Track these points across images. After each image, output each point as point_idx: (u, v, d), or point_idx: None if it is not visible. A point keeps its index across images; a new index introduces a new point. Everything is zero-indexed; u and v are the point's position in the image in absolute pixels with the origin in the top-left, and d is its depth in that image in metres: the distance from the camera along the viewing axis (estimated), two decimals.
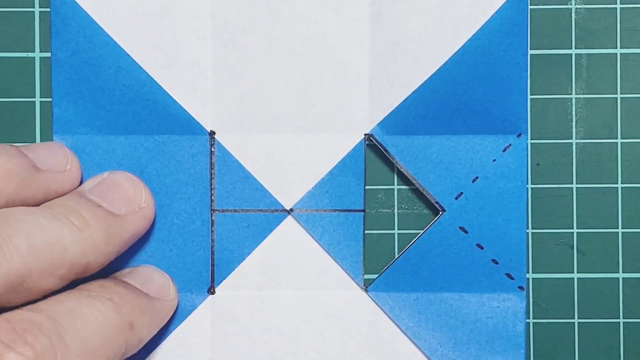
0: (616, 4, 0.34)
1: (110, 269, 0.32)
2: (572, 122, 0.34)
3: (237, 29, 0.34)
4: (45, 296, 0.29)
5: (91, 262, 0.30)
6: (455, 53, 0.33)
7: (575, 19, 0.34)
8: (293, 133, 0.34)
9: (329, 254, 0.34)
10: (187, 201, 0.34)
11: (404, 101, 0.34)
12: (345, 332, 0.34)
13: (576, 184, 0.35)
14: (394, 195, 0.34)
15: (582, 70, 0.34)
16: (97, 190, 0.32)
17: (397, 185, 0.34)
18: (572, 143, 0.34)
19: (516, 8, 0.33)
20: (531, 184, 0.34)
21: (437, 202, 0.34)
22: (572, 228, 0.35)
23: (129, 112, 0.34)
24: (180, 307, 0.34)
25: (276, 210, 0.34)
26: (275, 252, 0.34)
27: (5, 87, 0.34)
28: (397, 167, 0.34)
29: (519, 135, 0.34)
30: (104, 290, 0.30)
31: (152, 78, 0.34)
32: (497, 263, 0.34)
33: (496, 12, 0.33)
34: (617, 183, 0.35)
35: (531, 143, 0.34)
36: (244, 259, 0.34)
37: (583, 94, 0.34)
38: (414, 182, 0.34)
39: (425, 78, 0.34)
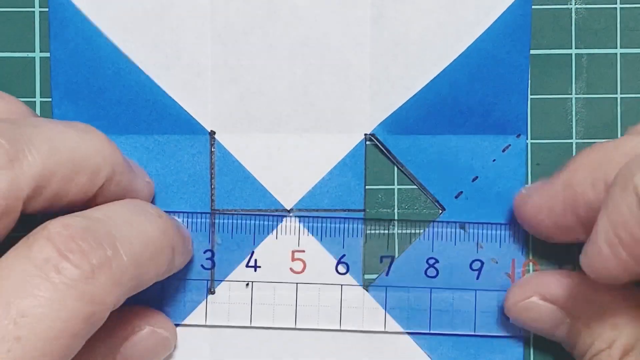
0: (616, 4, 0.34)
1: None
2: (572, 122, 0.34)
3: (237, 29, 0.34)
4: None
5: (114, 178, 0.29)
6: (458, 56, 0.33)
7: (575, 19, 0.34)
8: (293, 133, 0.34)
9: (329, 254, 0.34)
10: (187, 201, 0.34)
11: (405, 102, 0.34)
12: (345, 332, 0.34)
13: None
14: (394, 195, 0.34)
15: (582, 70, 0.34)
16: None
17: (397, 185, 0.34)
18: (572, 143, 0.34)
19: (520, 11, 0.33)
20: (531, 184, 0.34)
21: (436, 201, 0.34)
22: None
23: (129, 112, 0.34)
24: (180, 307, 0.34)
25: (276, 210, 0.34)
26: (275, 252, 0.34)
27: (5, 87, 0.34)
28: (397, 167, 0.34)
29: (519, 135, 0.34)
30: (154, 208, 0.30)
31: (152, 78, 0.34)
32: (496, 262, 0.34)
33: (500, 15, 0.33)
34: None
35: (531, 143, 0.34)
36: (244, 259, 0.34)
37: (583, 94, 0.34)
38: (413, 181, 0.34)
39: (427, 79, 0.34)
